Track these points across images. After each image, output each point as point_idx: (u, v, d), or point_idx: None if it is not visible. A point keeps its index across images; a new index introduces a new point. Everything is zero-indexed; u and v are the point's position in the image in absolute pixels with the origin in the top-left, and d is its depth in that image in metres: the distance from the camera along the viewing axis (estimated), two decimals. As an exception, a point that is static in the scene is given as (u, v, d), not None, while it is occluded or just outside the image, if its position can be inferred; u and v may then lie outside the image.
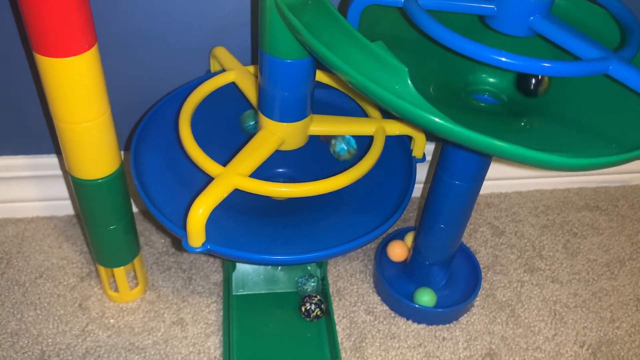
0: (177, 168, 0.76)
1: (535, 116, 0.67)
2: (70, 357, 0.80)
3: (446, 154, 0.74)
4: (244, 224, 0.74)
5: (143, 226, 0.98)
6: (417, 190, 1.09)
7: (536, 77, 0.68)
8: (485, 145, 0.50)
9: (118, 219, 0.77)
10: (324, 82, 0.80)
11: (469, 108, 0.68)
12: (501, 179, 1.10)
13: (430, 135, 0.84)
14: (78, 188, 0.72)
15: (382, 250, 0.95)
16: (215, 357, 0.82)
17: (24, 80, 0.82)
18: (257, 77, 0.76)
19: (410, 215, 1.05)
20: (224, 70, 0.78)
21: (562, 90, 0.69)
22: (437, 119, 0.50)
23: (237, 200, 0.78)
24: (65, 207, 0.99)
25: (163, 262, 0.93)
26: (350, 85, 0.53)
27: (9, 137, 0.89)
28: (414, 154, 0.76)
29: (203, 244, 0.63)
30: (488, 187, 1.10)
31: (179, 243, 0.96)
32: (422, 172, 1.05)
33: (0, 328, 0.83)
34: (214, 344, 0.83)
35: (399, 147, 0.79)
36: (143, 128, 0.76)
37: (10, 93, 0.84)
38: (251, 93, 0.74)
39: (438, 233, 0.83)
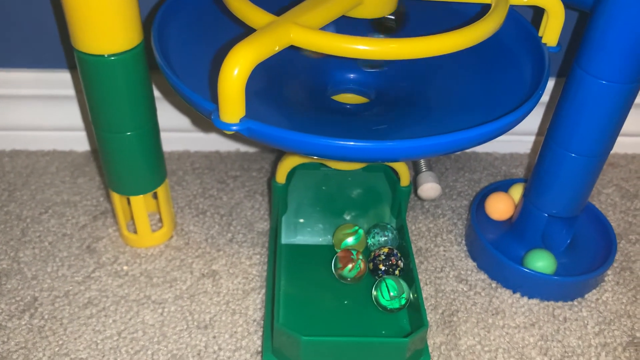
0: (212, 50, 0.57)
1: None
2: (67, 307, 0.61)
3: (594, 36, 0.52)
4: (297, 112, 0.54)
5: (176, 165, 0.79)
6: (525, 144, 0.85)
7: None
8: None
9: (136, 121, 0.58)
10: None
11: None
12: (627, 134, 0.86)
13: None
14: (84, 69, 0.54)
15: (479, 205, 0.72)
16: (254, 320, 0.61)
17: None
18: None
19: (513, 172, 0.83)
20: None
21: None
22: None
23: (293, 92, 0.57)
24: (87, 141, 0.81)
25: (197, 205, 0.74)
26: None
27: (23, 44, 0.73)
28: (544, 40, 0.54)
29: (242, 120, 0.43)
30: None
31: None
32: (532, 121, 0.82)
33: (-14, 267, 0.65)
34: (253, 304, 0.62)
35: (520, 30, 0.57)
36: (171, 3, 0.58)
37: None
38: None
39: (567, 167, 0.60)
